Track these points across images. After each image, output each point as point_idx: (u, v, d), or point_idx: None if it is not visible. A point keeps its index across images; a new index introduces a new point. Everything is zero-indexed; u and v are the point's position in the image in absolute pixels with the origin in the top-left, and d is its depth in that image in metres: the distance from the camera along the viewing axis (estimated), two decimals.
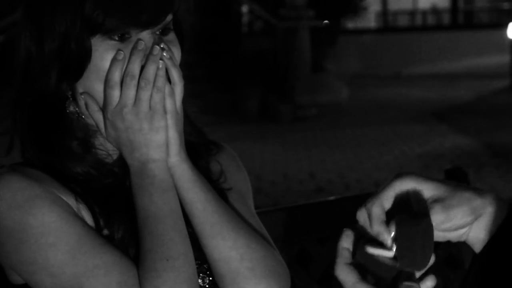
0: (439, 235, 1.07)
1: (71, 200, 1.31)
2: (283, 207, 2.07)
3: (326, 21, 13.14)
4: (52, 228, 1.26)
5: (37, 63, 1.32)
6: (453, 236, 1.07)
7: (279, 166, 8.26)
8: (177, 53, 1.35)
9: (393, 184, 1.06)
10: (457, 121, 11.03)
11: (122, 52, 1.29)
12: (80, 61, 1.29)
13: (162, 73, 1.29)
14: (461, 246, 2.06)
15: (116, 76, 1.28)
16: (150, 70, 1.28)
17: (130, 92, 1.28)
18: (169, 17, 1.34)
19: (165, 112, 1.30)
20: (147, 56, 1.29)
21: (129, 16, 1.28)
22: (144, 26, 1.30)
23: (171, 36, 1.35)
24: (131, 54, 1.29)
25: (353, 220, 1.61)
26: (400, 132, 10.17)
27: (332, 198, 2.04)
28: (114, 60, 1.29)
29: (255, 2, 12.79)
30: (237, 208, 1.45)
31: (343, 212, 1.96)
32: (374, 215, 1.05)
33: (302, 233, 1.91)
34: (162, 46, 1.30)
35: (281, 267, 1.38)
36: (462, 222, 1.04)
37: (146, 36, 1.31)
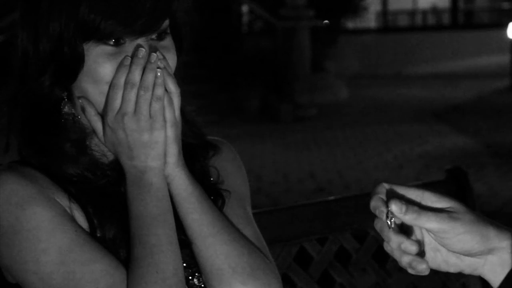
0: (451, 263, 1.05)
1: (64, 201, 1.30)
2: (283, 207, 2.06)
3: (326, 21, 13.14)
4: (44, 233, 1.26)
5: (33, 64, 1.32)
6: (466, 265, 1.05)
7: (279, 166, 8.26)
8: (173, 59, 1.34)
9: (413, 187, 1.05)
10: (457, 121, 11.03)
11: (129, 57, 1.28)
12: (73, 65, 1.29)
13: (160, 81, 1.28)
14: None
15: (122, 81, 1.28)
16: (149, 78, 1.28)
17: (131, 100, 1.28)
18: (166, 23, 1.33)
19: (164, 120, 1.30)
20: (146, 64, 1.28)
21: (125, 22, 1.27)
22: (139, 33, 1.29)
23: (167, 41, 1.34)
24: (131, 62, 1.28)
25: (353, 220, 1.62)
26: (400, 132, 10.17)
27: (332, 198, 2.04)
28: (120, 65, 1.28)
29: (255, 2, 12.79)
30: (234, 214, 1.44)
31: (343, 212, 1.96)
32: (376, 191, 1.05)
33: (302, 233, 1.90)
34: (157, 54, 1.29)
35: (274, 279, 1.38)
36: (471, 244, 1.01)
37: (141, 42, 1.30)
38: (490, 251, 1.02)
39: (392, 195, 1.05)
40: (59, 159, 1.33)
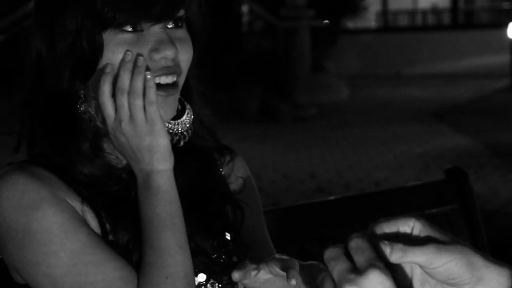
0: None
1: (76, 203, 1.29)
2: (283, 207, 2.07)
3: (326, 21, 13.14)
4: (56, 235, 1.25)
5: (48, 61, 1.30)
6: None
7: (279, 166, 8.26)
8: (189, 51, 1.33)
9: (402, 219, 1.04)
10: (457, 121, 11.03)
11: (111, 65, 1.27)
12: (92, 58, 1.27)
13: (152, 83, 1.26)
14: None
15: (107, 88, 1.27)
16: (137, 83, 1.26)
17: (124, 106, 1.26)
18: (181, 12, 1.31)
19: (162, 119, 1.28)
20: (133, 68, 1.26)
21: (141, 9, 1.26)
22: (155, 19, 1.27)
23: (183, 32, 1.33)
24: (119, 66, 1.27)
25: (353, 220, 1.62)
26: (400, 132, 10.17)
27: (332, 198, 2.04)
28: (104, 74, 1.26)
29: (255, 2, 12.79)
30: (251, 226, 1.45)
31: (343, 212, 1.96)
32: (369, 232, 1.04)
33: (302, 233, 1.90)
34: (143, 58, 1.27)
35: None
36: (457, 272, 0.99)
37: (157, 30, 1.29)
38: (478, 281, 1.01)
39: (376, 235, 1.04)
40: (75, 158, 1.31)
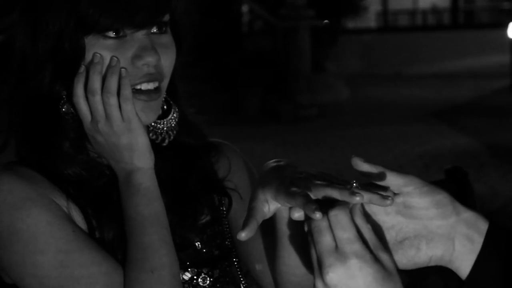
0: (410, 256, 1.07)
1: (61, 201, 1.30)
2: None
3: (326, 21, 13.14)
4: (41, 233, 1.25)
5: (31, 62, 1.31)
6: (428, 256, 1.07)
7: None
8: (171, 57, 1.33)
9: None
10: (457, 121, 11.03)
11: (84, 66, 1.27)
12: (74, 61, 1.28)
13: (126, 81, 1.27)
14: None
15: (80, 91, 1.27)
16: (111, 82, 1.26)
17: (98, 108, 1.27)
18: (166, 18, 1.32)
19: (137, 116, 1.28)
20: (106, 68, 1.27)
21: (124, 15, 1.26)
22: (139, 26, 1.27)
23: (167, 37, 1.33)
24: (89, 69, 1.27)
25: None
26: (400, 132, 10.17)
27: None
28: (77, 75, 1.27)
29: (255, 2, 12.79)
30: (242, 213, 1.45)
31: None
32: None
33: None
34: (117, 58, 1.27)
35: None
36: (426, 211, 1.04)
37: (140, 36, 1.29)
38: (454, 212, 1.04)
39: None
40: (57, 158, 1.32)
